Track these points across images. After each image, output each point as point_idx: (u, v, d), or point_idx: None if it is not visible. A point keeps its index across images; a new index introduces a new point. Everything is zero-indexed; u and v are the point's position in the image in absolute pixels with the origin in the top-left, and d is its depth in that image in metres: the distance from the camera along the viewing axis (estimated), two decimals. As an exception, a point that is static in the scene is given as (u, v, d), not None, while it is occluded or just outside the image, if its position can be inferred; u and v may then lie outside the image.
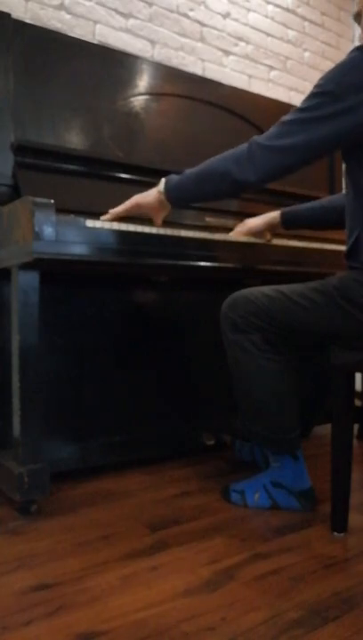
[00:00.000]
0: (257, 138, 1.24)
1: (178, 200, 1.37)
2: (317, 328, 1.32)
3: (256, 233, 1.65)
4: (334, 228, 1.57)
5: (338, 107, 1.15)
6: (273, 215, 1.63)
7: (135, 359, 1.79)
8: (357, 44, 1.41)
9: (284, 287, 1.38)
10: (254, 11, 2.55)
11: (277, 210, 1.65)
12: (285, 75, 2.69)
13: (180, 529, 1.30)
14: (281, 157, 1.20)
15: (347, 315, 1.27)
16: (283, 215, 1.63)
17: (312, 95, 1.19)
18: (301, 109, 1.20)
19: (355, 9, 1.36)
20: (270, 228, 1.65)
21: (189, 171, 1.32)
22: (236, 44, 2.48)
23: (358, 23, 1.35)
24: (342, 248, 1.42)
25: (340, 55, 2.95)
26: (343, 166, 1.31)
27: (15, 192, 1.52)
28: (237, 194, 1.36)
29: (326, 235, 1.86)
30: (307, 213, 1.62)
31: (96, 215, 1.43)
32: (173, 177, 1.36)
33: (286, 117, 1.23)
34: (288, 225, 1.64)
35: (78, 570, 1.11)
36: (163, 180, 1.37)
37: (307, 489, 1.42)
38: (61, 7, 1.95)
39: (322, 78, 1.20)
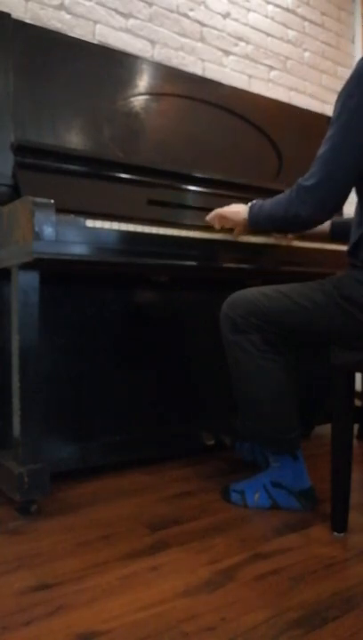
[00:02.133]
0: (300, 181, 1.29)
1: (256, 231, 1.53)
2: (317, 328, 1.33)
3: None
4: None
5: (354, 127, 1.19)
6: (322, 228, 1.58)
7: (135, 359, 1.79)
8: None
9: (284, 287, 1.38)
10: (254, 11, 2.55)
11: None
12: (285, 75, 2.69)
13: (180, 529, 1.30)
14: (316, 197, 1.26)
15: (347, 314, 1.27)
16: (333, 226, 1.62)
17: (333, 120, 1.24)
18: (326, 139, 1.25)
19: None
20: (319, 239, 1.66)
21: (266, 204, 1.40)
22: (236, 44, 2.48)
23: None
24: (343, 248, 1.42)
25: (340, 55, 2.95)
26: None
27: (15, 192, 1.52)
28: (304, 230, 1.46)
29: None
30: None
31: (96, 215, 1.43)
32: (255, 206, 1.44)
33: (319, 150, 1.27)
34: (336, 236, 1.63)
35: (78, 570, 1.11)
36: (248, 207, 1.47)
37: (307, 489, 1.42)
38: (61, 7, 1.95)
39: (337, 99, 1.23)
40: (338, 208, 1.29)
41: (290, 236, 1.70)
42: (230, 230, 1.58)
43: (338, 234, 1.62)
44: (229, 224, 1.55)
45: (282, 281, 1.44)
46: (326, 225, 1.62)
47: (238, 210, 1.50)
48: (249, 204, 1.48)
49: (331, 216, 1.32)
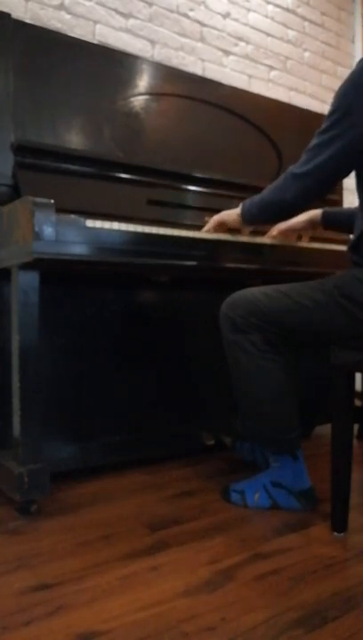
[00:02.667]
0: (290, 168, 1.35)
1: (251, 223, 1.54)
2: (317, 327, 1.33)
3: (297, 230, 1.70)
4: None
5: (346, 123, 1.22)
6: (315, 213, 1.66)
7: (135, 359, 1.79)
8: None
9: (284, 287, 1.38)
10: (254, 11, 2.55)
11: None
12: (285, 75, 2.69)
13: (180, 529, 1.30)
14: (303, 183, 1.31)
15: (348, 313, 1.28)
16: (324, 214, 1.65)
17: (327, 116, 1.27)
18: (319, 132, 1.29)
19: None
20: (311, 226, 1.68)
21: (256, 197, 1.45)
22: (236, 44, 2.48)
23: None
24: (343, 248, 1.42)
25: (340, 55, 2.95)
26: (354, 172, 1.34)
27: (15, 192, 1.52)
28: (289, 216, 1.50)
29: (326, 235, 1.86)
30: (347, 218, 1.60)
31: (96, 215, 1.43)
32: (247, 202, 1.49)
33: (310, 143, 1.31)
34: (328, 224, 1.66)
35: (78, 570, 1.11)
36: (240, 205, 1.52)
37: (307, 489, 1.42)
38: (61, 7, 1.95)
39: (335, 96, 1.27)
40: (321, 197, 1.36)
41: (305, 238, 1.74)
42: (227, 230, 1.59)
43: (331, 222, 1.65)
44: (224, 229, 1.58)
45: (283, 281, 1.44)
46: (316, 213, 1.65)
47: (230, 211, 1.55)
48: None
49: (311, 203, 1.38)
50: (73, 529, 1.30)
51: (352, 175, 1.33)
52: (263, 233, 1.70)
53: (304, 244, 1.76)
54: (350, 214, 1.59)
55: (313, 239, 1.84)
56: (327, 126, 1.26)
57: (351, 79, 1.23)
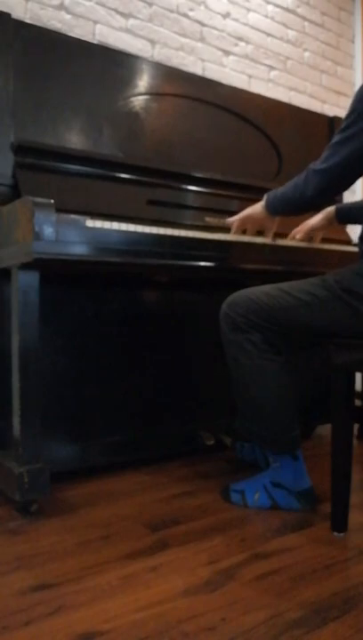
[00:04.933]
0: (311, 165, 1.38)
1: (275, 214, 1.56)
2: (318, 323, 1.33)
3: (317, 229, 1.74)
4: None
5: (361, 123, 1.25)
6: (329, 210, 1.70)
7: (135, 359, 1.79)
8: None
9: (284, 285, 1.39)
10: (254, 11, 2.55)
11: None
12: (285, 75, 2.69)
13: (180, 529, 1.30)
14: (322, 179, 1.34)
15: (350, 307, 1.28)
16: (338, 210, 1.69)
17: (346, 114, 1.29)
18: (339, 131, 1.31)
19: None
20: (329, 223, 1.72)
21: (279, 190, 1.49)
22: (236, 44, 2.48)
23: None
24: (343, 248, 1.42)
25: (340, 55, 2.95)
26: None
27: (15, 192, 1.52)
28: (309, 210, 1.51)
29: (326, 235, 1.87)
30: (360, 211, 1.65)
31: (96, 215, 1.43)
32: (271, 194, 1.52)
33: (333, 138, 1.34)
34: (342, 219, 1.70)
35: (78, 570, 1.11)
36: (264, 196, 1.55)
37: (307, 489, 1.42)
38: (61, 7, 1.95)
39: (354, 95, 1.29)
40: (339, 193, 1.41)
41: (318, 239, 1.77)
42: (227, 230, 1.60)
43: (345, 217, 1.69)
44: (252, 223, 1.62)
45: (282, 281, 1.44)
46: (330, 210, 1.69)
47: (255, 205, 1.58)
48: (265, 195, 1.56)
49: (331, 199, 1.42)
50: (73, 529, 1.30)
51: None
52: (285, 235, 1.74)
53: (304, 244, 1.76)
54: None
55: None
56: (346, 125, 1.29)
57: None
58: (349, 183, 1.36)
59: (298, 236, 1.74)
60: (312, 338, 1.41)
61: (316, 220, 1.72)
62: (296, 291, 1.35)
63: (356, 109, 1.26)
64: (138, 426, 1.78)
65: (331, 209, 1.69)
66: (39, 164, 1.56)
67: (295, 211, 1.52)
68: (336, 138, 1.31)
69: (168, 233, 1.47)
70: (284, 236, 1.76)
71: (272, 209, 1.52)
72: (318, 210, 1.55)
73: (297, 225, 1.76)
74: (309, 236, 1.76)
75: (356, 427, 2.12)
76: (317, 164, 1.35)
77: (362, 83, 1.29)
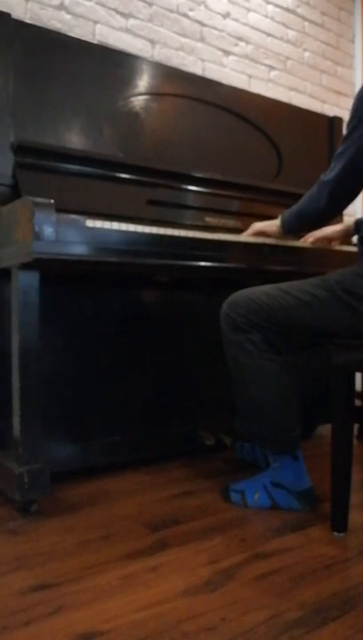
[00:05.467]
0: (321, 175, 1.40)
1: (290, 232, 1.61)
2: (318, 323, 1.33)
3: (332, 238, 1.76)
4: None
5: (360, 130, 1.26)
6: (349, 223, 1.71)
7: (135, 359, 1.79)
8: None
9: (284, 285, 1.39)
10: (254, 11, 2.55)
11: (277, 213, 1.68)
12: (285, 75, 2.69)
13: (180, 529, 1.30)
14: (333, 188, 1.36)
15: (349, 308, 1.28)
16: (357, 223, 1.66)
17: (348, 121, 1.31)
18: (343, 138, 1.33)
19: None
20: (346, 235, 1.74)
21: (293, 208, 1.52)
22: (236, 44, 2.48)
23: None
24: (343, 248, 1.42)
25: (340, 55, 2.95)
26: None
27: (15, 192, 1.52)
28: (325, 223, 1.54)
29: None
30: None
31: (96, 215, 1.43)
32: (286, 213, 1.56)
33: (339, 148, 1.35)
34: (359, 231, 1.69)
35: (78, 570, 1.11)
36: (280, 216, 1.59)
37: (307, 489, 1.42)
38: (61, 7, 1.95)
39: (354, 101, 1.30)
40: (350, 202, 1.41)
41: (335, 244, 1.79)
42: (227, 230, 1.61)
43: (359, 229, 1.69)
44: (268, 236, 1.66)
45: (283, 281, 1.44)
46: (351, 225, 1.68)
47: (271, 222, 1.63)
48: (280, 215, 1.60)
49: (343, 209, 1.44)
50: (73, 529, 1.30)
51: None
52: (297, 239, 1.76)
53: (304, 244, 1.76)
54: None
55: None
56: (347, 133, 1.30)
57: None
58: (357, 190, 1.37)
59: (310, 240, 1.75)
60: (312, 338, 1.41)
61: (333, 230, 1.73)
62: (296, 291, 1.35)
63: (356, 114, 1.27)
64: (138, 426, 1.78)
65: (351, 222, 1.69)
66: (39, 163, 1.56)
67: (311, 225, 1.56)
68: (341, 147, 1.33)
69: (168, 233, 1.47)
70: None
71: (288, 227, 1.56)
72: (330, 221, 1.56)
73: None
74: (322, 243, 1.77)
75: (356, 427, 2.12)
76: (326, 174, 1.37)
77: (362, 84, 1.28)
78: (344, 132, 1.33)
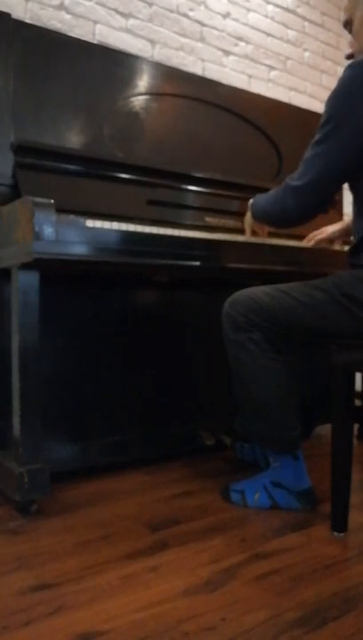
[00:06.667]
0: (288, 180, 1.35)
1: (259, 221, 1.57)
2: (317, 325, 1.33)
3: (333, 239, 1.75)
4: None
5: (340, 133, 1.22)
6: (348, 221, 1.70)
7: (135, 359, 1.79)
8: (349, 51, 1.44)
9: (284, 286, 1.39)
10: (254, 11, 2.55)
11: None
12: (285, 75, 2.69)
13: (180, 529, 1.30)
14: (303, 199, 1.31)
15: (348, 311, 1.28)
16: None
17: (320, 126, 1.27)
18: (313, 143, 1.29)
19: (343, 17, 1.39)
20: (345, 234, 1.72)
21: (260, 199, 1.48)
22: (236, 44, 2.48)
23: (350, 31, 1.38)
24: (344, 249, 1.42)
25: (340, 55, 2.95)
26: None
27: (15, 192, 1.52)
28: (292, 227, 1.49)
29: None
30: None
31: (96, 215, 1.43)
32: (253, 203, 1.53)
33: (305, 154, 1.31)
34: None
35: (78, 570, 1.11)
36: (250, 201, 1.57)
37: (307, 489, 1.42)
38: (61, 7, 1.95)
39: (325, 104, 1.26)
40: (323, 209, 1.37)
41: (337, 245, 1.78)
42: (227, 230, 1.61)
43: None
44: (249, 226, 1.64)
45: (282, 281, 1.44)
46: (350, 223, 1.67)
47: (247, 213, 1.62)
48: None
49: (315, 215, 1.38)
50: (73, 529, 1.30)
51: None
52: (285, 235, 1.75)
53: (304, 244, 1.76)
54: None
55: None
56: (321, 138, 1.26)
57: (344, 88, 1.21)
58: (329, 199, 1.35)
59: (312, 243, 1.73)
60: (312, 338, 1.41)
61: (333, 230, 1.72)
62: (296, 292, 1.35)
63: (332, 118, 1.23)
64: (138, 426, 1.78)
65: (349, 220, 1.67)
66: (39, 164, 1.56)
67: (277, 225, 1.53)
68: (312, 151, 1.28)
69: (168, 233, 1.47)
70: (283, 236, 1.76)
71: (257, 218, 1.54)
72: (299, 225, 1.53)
73: (314, 229, 1.76)
74: (323, 244, 1.76)
75: (356, 427, 2.12)
76: (294, 179, 1.32)
77: (334, 87, 1.25)
78: (316, 136, 1.28)
